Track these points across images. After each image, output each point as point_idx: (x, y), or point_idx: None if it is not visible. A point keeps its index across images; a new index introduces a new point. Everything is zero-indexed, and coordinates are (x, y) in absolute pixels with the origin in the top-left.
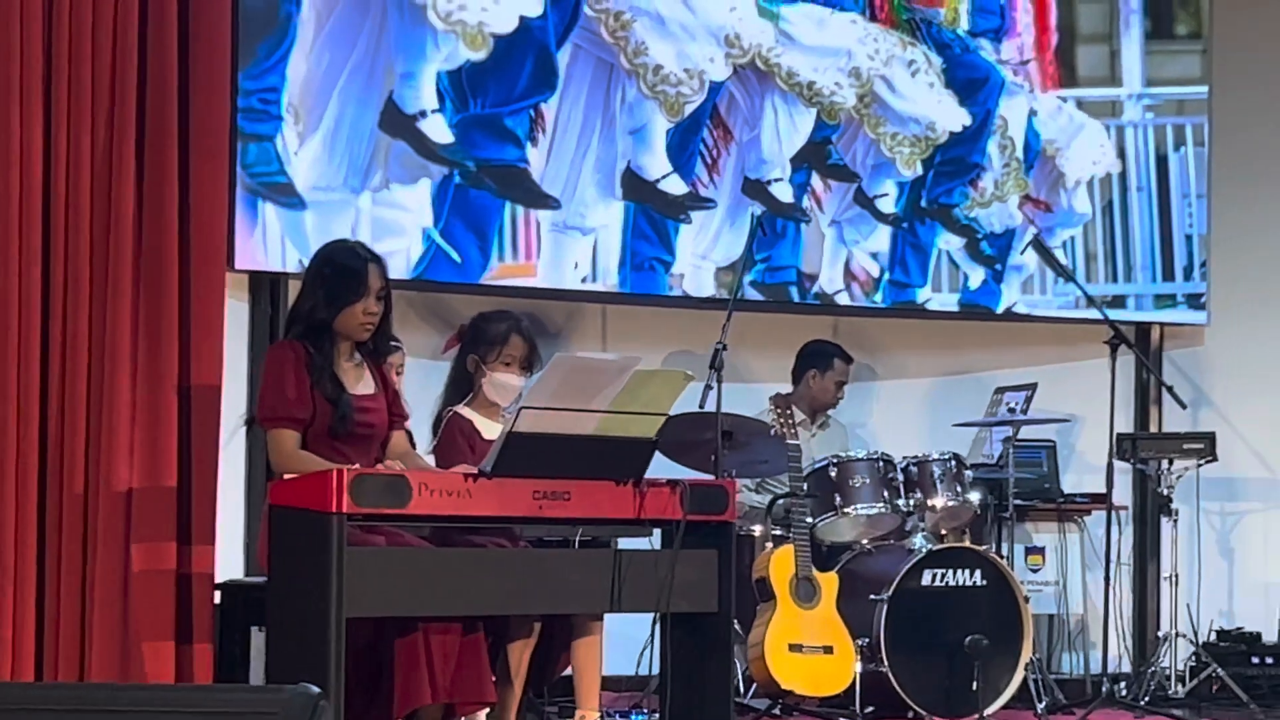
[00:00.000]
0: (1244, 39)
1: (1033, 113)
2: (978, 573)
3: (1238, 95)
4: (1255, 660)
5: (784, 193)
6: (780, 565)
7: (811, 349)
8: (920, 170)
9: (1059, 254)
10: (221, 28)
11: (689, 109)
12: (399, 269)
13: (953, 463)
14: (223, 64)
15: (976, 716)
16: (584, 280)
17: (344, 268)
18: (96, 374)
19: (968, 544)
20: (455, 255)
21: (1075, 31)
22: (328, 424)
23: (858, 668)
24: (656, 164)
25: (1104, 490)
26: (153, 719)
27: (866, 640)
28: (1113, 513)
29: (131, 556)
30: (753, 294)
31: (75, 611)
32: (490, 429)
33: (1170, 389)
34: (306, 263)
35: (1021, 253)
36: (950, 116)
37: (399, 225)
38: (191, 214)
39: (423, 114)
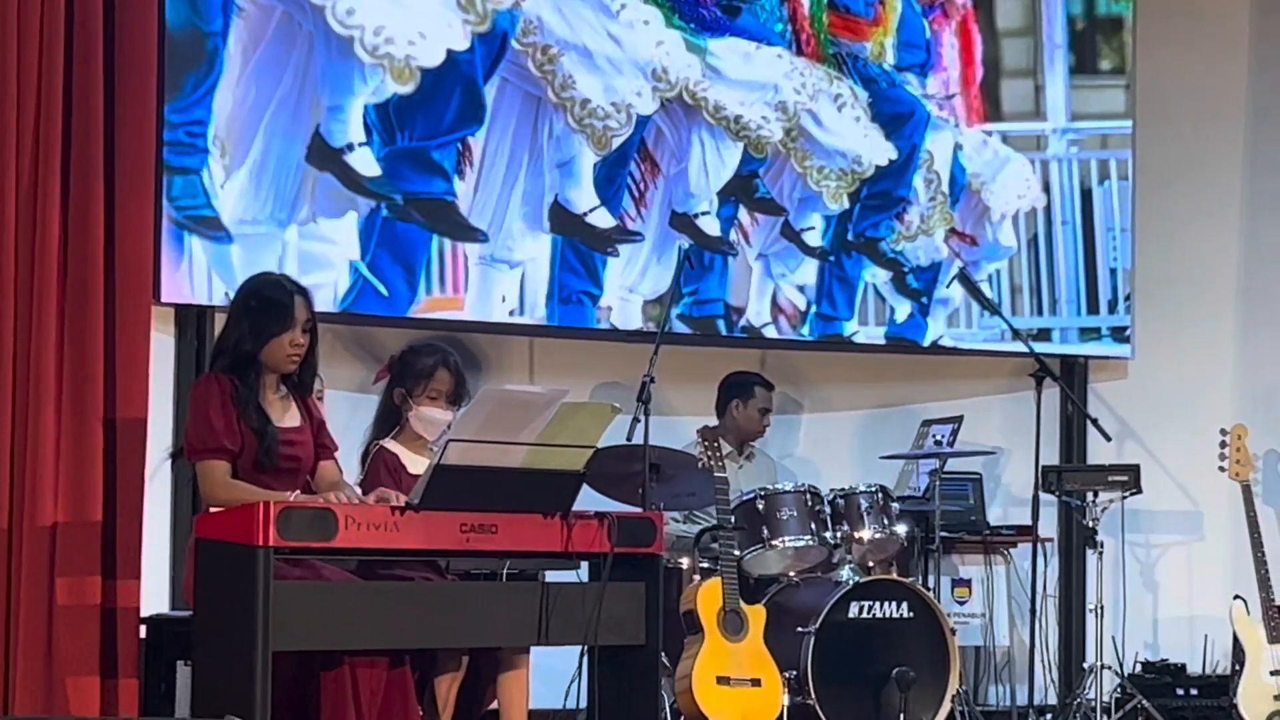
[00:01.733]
0: (1167, 74)
1: (958, 147)
2: (904, 605)
3: (1161, 130)
4: (1180, 692)
5: (711, 226)
6: (708, 598)
7: (731, 380)
8: (846, 204)
9: (985, 287)
10: (148, 60)
11: (616, 142)
12: (326, 302)
13: (879, 495)
14: (149, 97)
15: None
16: (511, 313)
17: (270, 300)
18: (21, 407)
19: (894, 576)
20: (382, 288)
21: (1000, 66)
22: (254, 457)
23: (785, 700)
24: (584, 197)
25: (1030, 522)
26: None
27: (794, 673)
28: (1038, 545)
29: (56, 591)
30: (680, 327)
31: (0, 646)
32: (416, 463)
33: (1095, 421)
34: (232, 296)
35: (947, 286)
36: (876, 150)
37: (326, 258)
38: (117, 247)
39: (350, 147)
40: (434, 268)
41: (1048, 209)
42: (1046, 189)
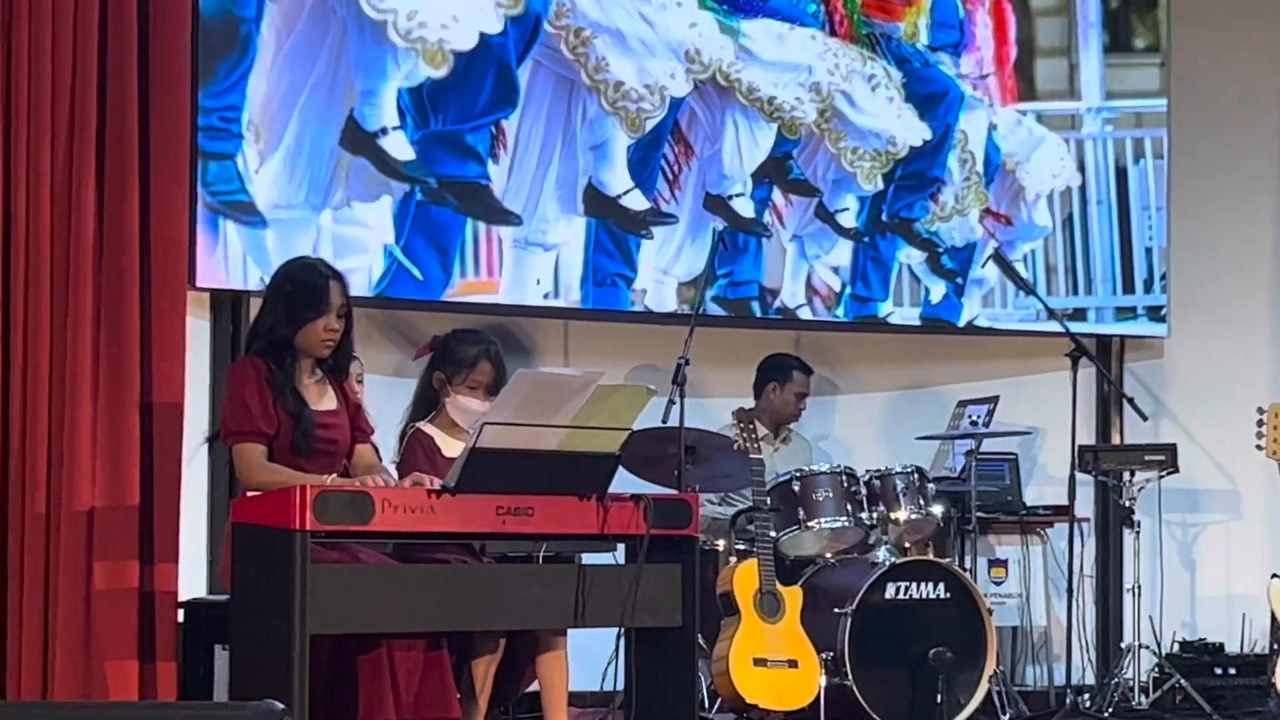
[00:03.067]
0: (1202, 51)
1: (993, 127)
2: (941, 586)
3: (1196, 108)
4: (1218, 671)
5: (745, 208)
6: (744, 579)
7: (770, 363)
8: (881, 185)
9: (1019, 267)
10: (181, 47)
11: (650, 125)
12: (360, 286)
13: (915, 476)
14: (183, 83)
15: None
16: (546, 296)
17: (305, 285)
18: (58, 393)
19: (931, 557)
20: (417, 272)
21: (1034, 46)
22: (290, 440)
23: (822, 681)
24: (618, 180)
25: (1066, 502)
26: None
27: (830, 654)
28: (1075, 525)
29: (94, 575)
30: (715, 309)
31: (38, 631)
32: (452, 447)
33: (1131, 401)
34: (268, 280)
35: (982, 266)
36: (910, 131)
37: (360, 243)
38: (152, 233)
39: (384, 131)
40: (468, 251)
41: (1082, 188)
42: (1081, 168)
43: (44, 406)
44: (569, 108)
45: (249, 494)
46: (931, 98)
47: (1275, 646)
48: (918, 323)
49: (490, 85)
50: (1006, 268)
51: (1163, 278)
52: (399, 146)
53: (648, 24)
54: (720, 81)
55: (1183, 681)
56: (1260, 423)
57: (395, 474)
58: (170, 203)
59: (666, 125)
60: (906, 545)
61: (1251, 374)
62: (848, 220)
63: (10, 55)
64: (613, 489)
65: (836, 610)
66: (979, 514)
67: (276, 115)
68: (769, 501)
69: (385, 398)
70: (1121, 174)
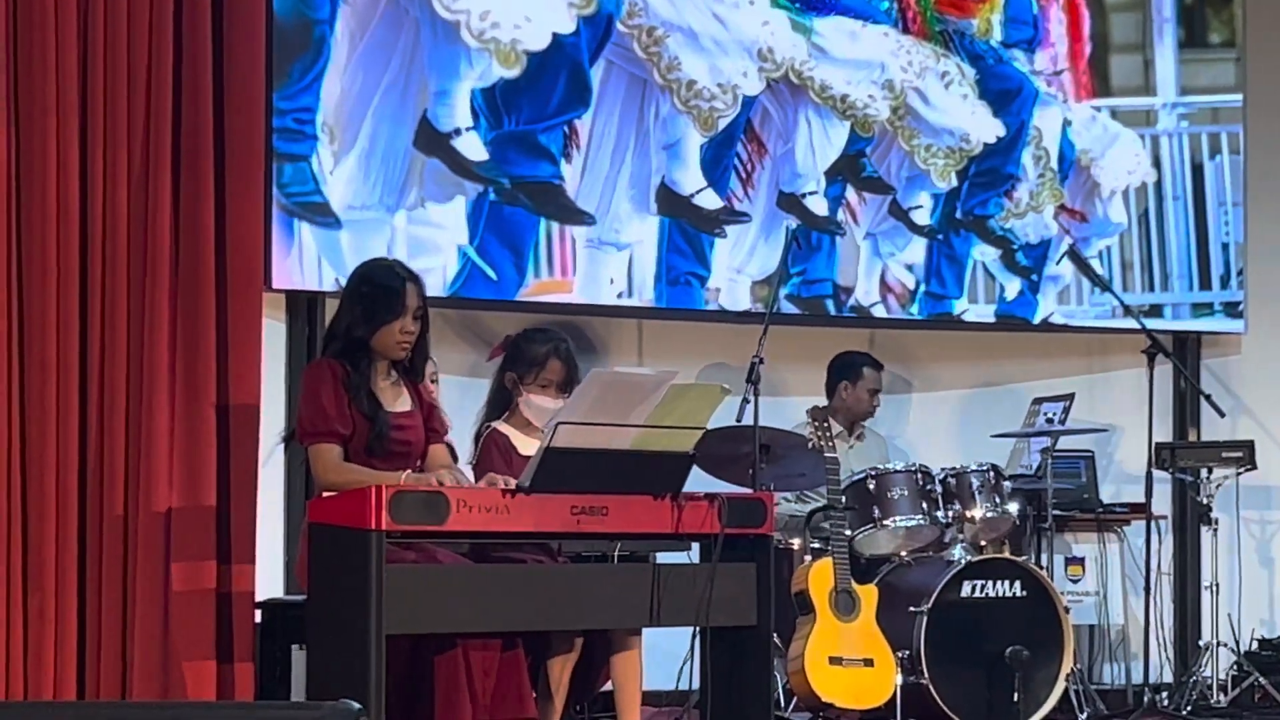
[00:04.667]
0: (1278, 46)
1: (1067, 123)
2: (1017, 584)
3: (1272, 103)
4: None
5: (819, 206)
6: (819, 578)
7: (840, 361)
8: (955, 182)
9: (1095, 264)
10: (256, 48)
11: (723, 124)
12: (435, 287)
13: (991, 474)
14: (257, 84)
15: None
16: (620, 295)
17: (382, 286)
18: (135, 394)
19: (1007, 555)
20: (491, 272)
21: (1109, 41)
22: (365, 442)
23: (898, 680)
24: (690, 179)
25: (1143, 500)
26: None
27: (907, 653)
28: (1152, 522)
29: (171, 576)
30: (789, 307)
31: (116, 631)
32: (527, 445)
33: (1208, 397)
34: (344, 281)
35: (1057, 263)
36: (984, 128)
37: (434, 243)
38: (228, 234)
39: (457, 132)
40: (542, 251)
41: (1158, 184)
42: (1156, 164)
43: (121, 408)
44: (642, 107)
45: (325, 494)
46: (1005, 94)
47: None
48: (992, 320)
49: (563, 85)
50: (1081, 263)
51: (1239, 274)
52: (472, 147)
53: (720, 23)
54: (793, 79)
55: (1261, 679)
56: None
57: (471, 475)
58: (245, 204)
59: (739, 124)
60: (982, 543)
61: None
62: (921, 218)
63: (87, 57)
64: (687, 488)
65: (912, 609)
66: (1055, 512)
67: (350, 116)
68: (844, 500)
69: (460, 398)
70: (1197, 170)
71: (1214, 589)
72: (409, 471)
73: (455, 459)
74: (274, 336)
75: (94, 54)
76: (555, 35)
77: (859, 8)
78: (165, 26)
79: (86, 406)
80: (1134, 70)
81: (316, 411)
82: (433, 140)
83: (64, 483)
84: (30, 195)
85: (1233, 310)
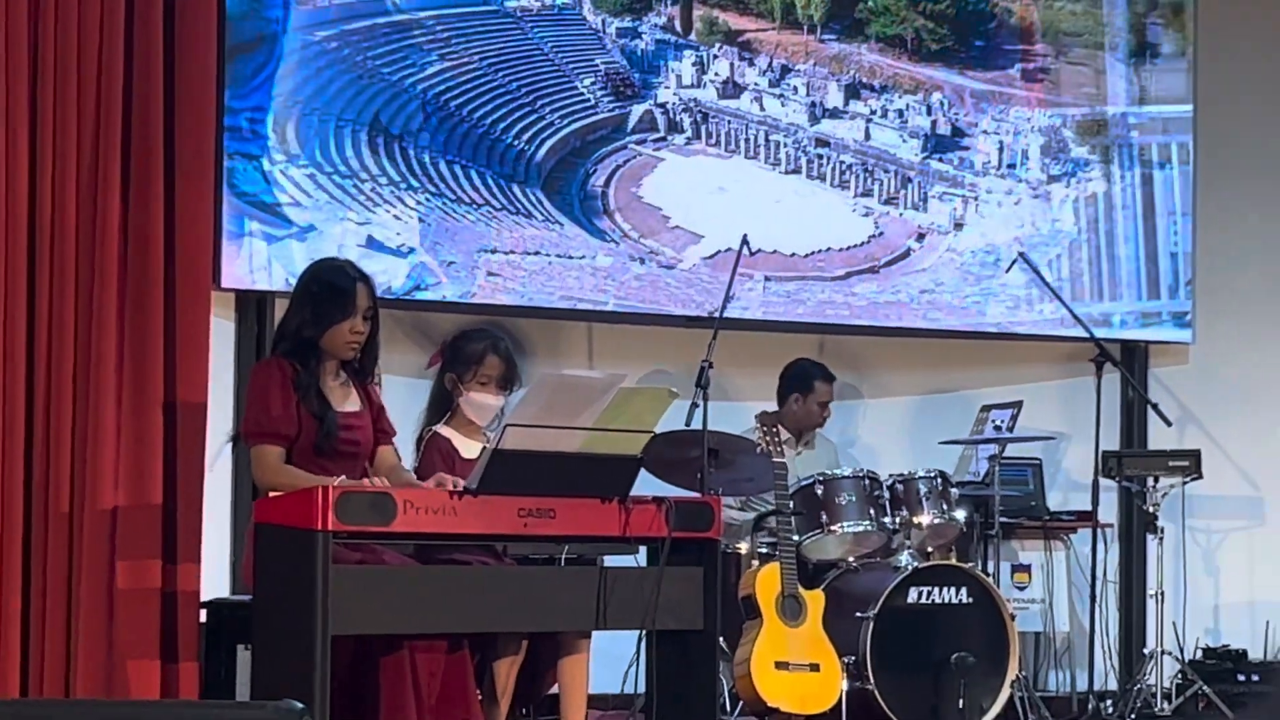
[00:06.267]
0: (1228, 57)
1: (1017, 132)
2: (964, 590)
3: (1222, 113)
4: (1241, 678)
5: None
6: (766, 583)
7: (792, 372)
8: None
9: (1045, 272)
10: (207, 47)
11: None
12: (385, 288)
13: (939, 480)
14: (209, 84)
15: None
16: (571, 299)
17: (332, 286)
18: (82, 392)
19: (953, 562)
20: (442, 275)
21: (1062, 52)
22: (313, 441)
23: (844, 685)
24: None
25: (1090, 508)
26: None
27: (853, 658)
28: (1098, 530)
29: (117, 575)
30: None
31: (61, 630)
32: (469, 448)
33: (1155, 406)
34: (294, 281)
35: (1007, 270)
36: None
37: (386, 244)
38: (177, 233)
39: (409, 133)
40: (493, 254)
41: (1107, 194)
42: (1107, 176)
43: (68, 406)
44: None
45: (270, 495)
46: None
47: None
48: (942, 326)
49: None
50: (1033, 269)
51: (1188, 283)
52: (424, 149)
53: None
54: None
55: (1205, 688)
56: None
57: (415, 478)
58: (195, 203)
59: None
60: (929, 550)
61: (1276, 381)
62: None
63: (37, 56)
64: (635, 491)
65: (859, 614)
66: (1002, 519)
67: (303, 116)
68: (791, 505)
69: (409, 400)
70: (1147, 179)
71: (1159, 597)
72: (343, 478)
73: (400, 461)
74: (223, 336)
75: (44, 55)
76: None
77: None
78: (116, 25)
79: (33, 404)
80: (1086, 80)
81: (262, 412)
82: (385, 141)
83: (9, 480)
84: None
85: (1181, 320)
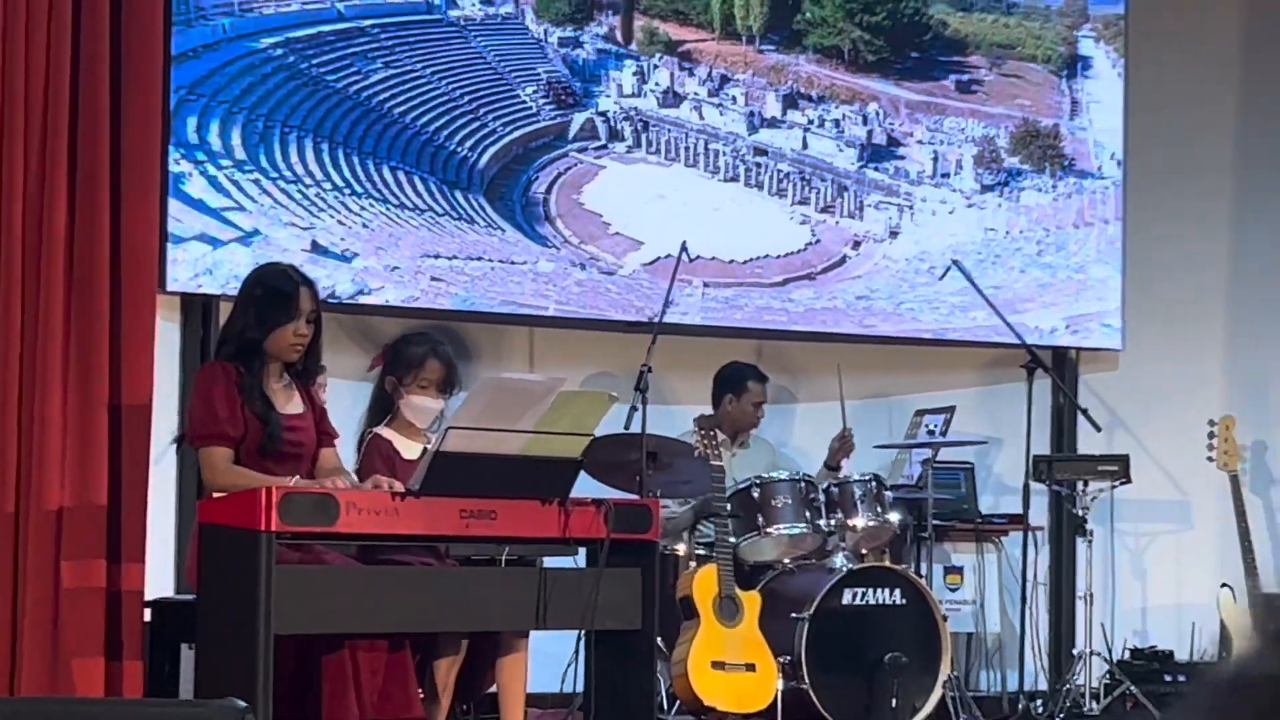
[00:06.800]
0: (1159, 70)
1: (952, 142)
2: (897, 591)
3: (1152, 124)
4: (1168, 678)
5: None
6: (704, 584)
7: (725, 374)
8: None
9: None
10: (153, 54)
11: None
12: (329, 293)
13: (873, 484)
14: (154, 90)
15: None
16: (511, 304)
17: (275, 290)
18: (28, 393)
19: (887, 563)
20: (385, 279)
21: (995, 64)
22: (258, 442)
23: (779, 685)
24: None
25: (1020, 511)
26: None
27: (788, 658)
28: (1029, 533)
29: (61, 574)
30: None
31: (6, 628)
32: (410, 449)
33: (1085, 412)
34: (238, 285)
35: (941, 278)
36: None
37: (331, 250)
38: (123, 237)
39: (353, 139)
40: (436, 261)
41: (1040, 203)
42: (1039, 184)
43: (13, 406)
44: None
45: (214, 496)
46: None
47: (1224, 654)
48: (877, 333)
49: None
50: (966, 277)
51: (1118, 292)
52: (368, 155)
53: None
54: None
55: (1133, 688)
56: (1211, 435)
57: (356, 479)
58: (141, 208)
59: None
60: (864, 552)
61: (1204, 387)
62: None
63: None
64: (575, 494)
65: (794, 615)
66: (935, 522)
67: (248, 122)
68: (729, 507)
69: (353, 402)
70: (1079, 190)
71: (1088, 599)
72: (298, 478)
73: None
74: (168, 338)
75: None
76: None
77: None
78: (63, 31)
79: None
80: (1019, 92)
81: (208, 413)
82: (332, 150)
83: None
84: None
85: (1110, 327)
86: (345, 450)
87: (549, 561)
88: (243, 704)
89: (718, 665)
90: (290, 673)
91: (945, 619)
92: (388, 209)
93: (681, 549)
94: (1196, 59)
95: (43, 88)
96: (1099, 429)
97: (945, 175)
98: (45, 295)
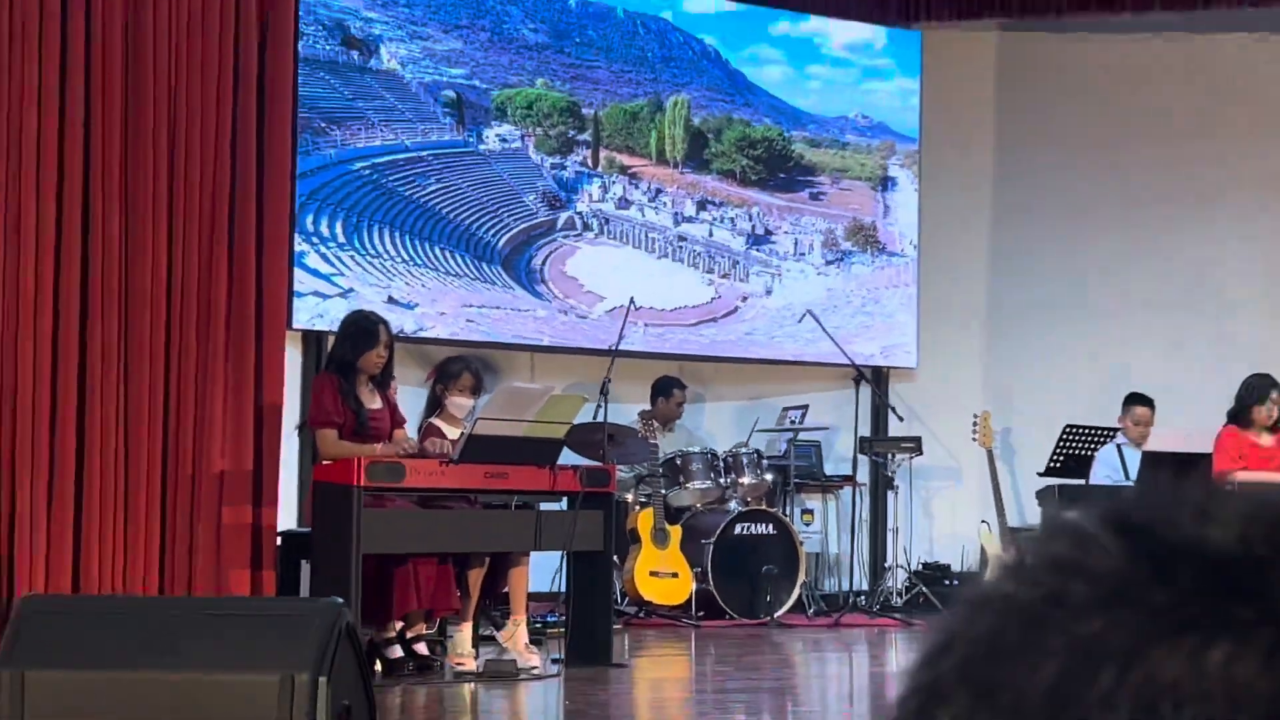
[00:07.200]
0: (942, 189)
1: (806, 232)
2: (770, 526)
3: (937, 223)
4: (947, 583)
5: None
6: (644, 521)
7: (658, 384)
8: None
9: (824, 324)
10: (284, 169)
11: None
12: (399, 329)
13: (755, 455)
14: (284, 195)
15: (769, 617)
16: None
17: (363, 328)
18: (201, 396)
19: (764, 507)
20: (436, 321)
21: (835, 181)
22: (352, 428)
23: (694, 586)
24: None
25: (851, 473)
26: (240, 618)
27: (700, 569)
28: (856, 488)
29: (222, 514)
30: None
31: (185, 551)
32: (452, 433)
33: (893, 409)
34: (339, 324)
35: (799, 321)
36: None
37: (400, 301)
38: (264, 292)
39: (415, 229)
40: (473, 309)
41: (865, 272)
42: (864, 260)
43: (190, 404)
44: None
45: (324, 462)
46: None
47: (983, 565)
48: (758, 357)
49: None
50: (816, 322)
51: (915, 330)
52: (424, 239)
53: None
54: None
55: (925, 589)
56: (974, 423)
57: (417, 444)
58: (276, 272)
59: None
60: (749, 500)
61: (969, 392)
62: None
63: (172, 170)
64: (561, 461)
65: (703, 541)
66: (795, 479)
67: (347, 218)
68: (661, 470)
69: (414, 401)
70: (889, 264)
71: (895, 531)
72: (380, 446)
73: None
74: (292, 359)
75: (177, 163)
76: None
77: None
78: (225, 146)
79: (169, 404)
80: (850, 200)
81: (320, 407)
82: (400, 235)
83: (152, 454)
84: (136, 265)
85: (910, 352)
86: (410, 432)
87: (544, 506)
88: (340, 600)
89: (654, 574)
90: (372, 578)
91: (801, 544)
92: (437, 275)
93: (630, 498)
94: (964, 177)
95: (211, 192)
96: (901, 419)
97: (802, 254)
98: (213, 331)
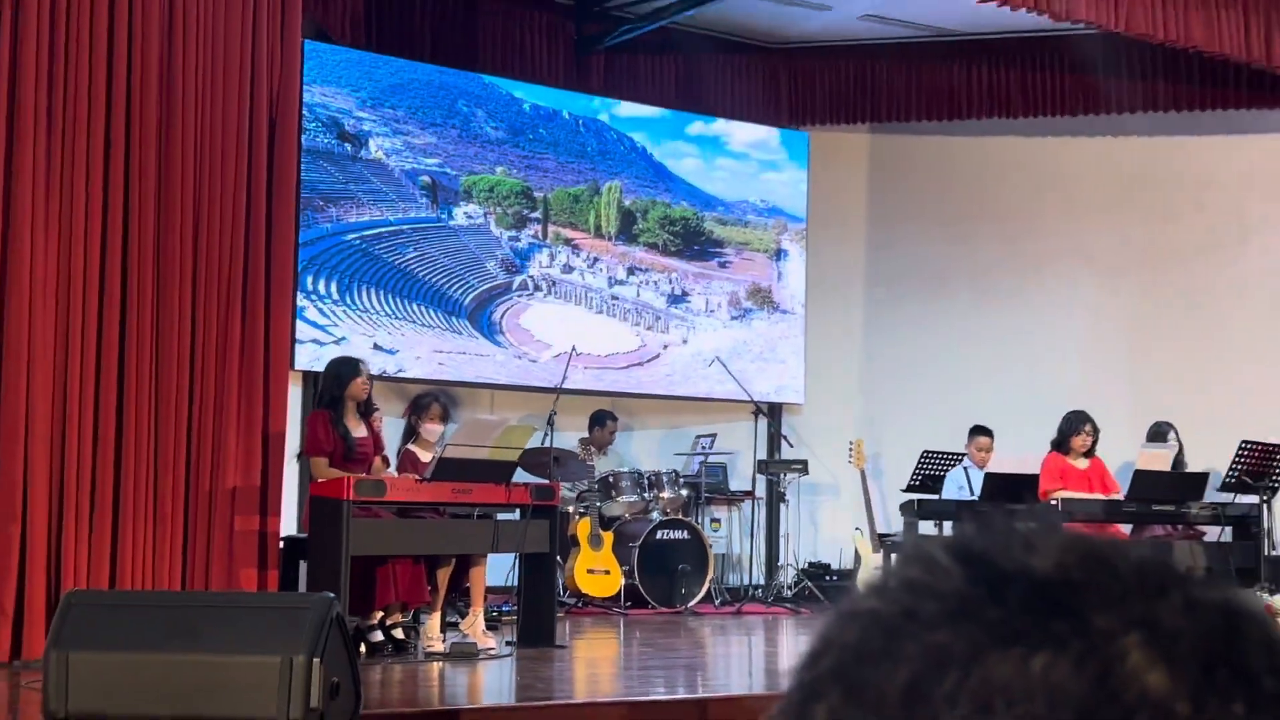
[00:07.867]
0: (825, 260)
1: (715, 294)
2: (685, 531)
3: (823, 289)
4: (828, 579)
5: None
6: (583, 528)
7: (595, 416)
8: None
9: (728, 369)
10: (288, 240)
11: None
12: (381, 370)
13: (674, 474)
14: (288, 261)
15: (684, 607)
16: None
17: (346, 361)
18: (218, 425)
19: (680, 517)
20: (413, 364)
21: (739, 252)
22: (341, 453)
23: (623, 582)
24: None
25: (751, 489)
26: (247, 610)
27: (628, 567)
28: (755, 501)
29: (235, 522)
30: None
31: (203, 553)
32: (425, 456)
33: (785, 437)
34: (325, 366)
35: (709, 365)
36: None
37: (383, 347)
38: (271, 339)
39: (395, 288)
40: (448, 355)
41: (763, 328)
42: (763, 316)
43: (210, 433)
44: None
45: (318, 480)
46: None
47: (857, 564)
48: (677, 394)
49: None
50: (724, 366)
51: (802, 373)
52: (403, 297)
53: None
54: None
55: (810, 584)
56: (850, 449)
57: (395, 472)
58: (281, 324)
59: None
60: (668, 510)
61: (846, 423)
62: None
63: (198, 242)
64: (515, 479)
65: (631, 544)
66: (706, 494)
67: (340, 279)
68: (596, 487)
69: (393, 431)
70: (782, 320)
71: (786, 536)
72: (364, 474)
73: (386, 465)
74: (294, 395)
75: (203, 233)
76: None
77: None
78: (240, 218)
79: (190, 433)
80: (751, 268)
81: (314, 439)
82: (383, 293)
83: (176, 470)
84: (166, 318)
85: (798, 392)
86: (391, 454)
87: (500, 515)
88: (331, 594)
89: (590, 571)
90: (358, 576)
91: (710, 546)
92: (414, 326)
93: (571, 509)
94: (842, 250)
95: (228, 258)
96: (791, 445)
97: (712, 311)
98: (228, 371)
